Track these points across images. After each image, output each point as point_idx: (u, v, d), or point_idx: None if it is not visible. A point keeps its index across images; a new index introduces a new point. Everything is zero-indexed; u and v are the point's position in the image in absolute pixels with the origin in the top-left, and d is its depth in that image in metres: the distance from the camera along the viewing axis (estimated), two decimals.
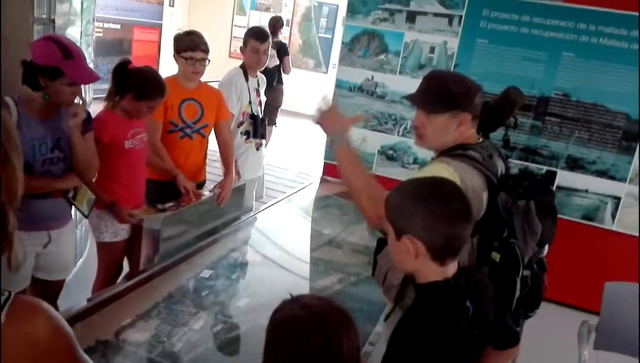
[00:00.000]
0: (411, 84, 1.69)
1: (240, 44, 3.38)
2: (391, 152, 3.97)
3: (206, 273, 2.32)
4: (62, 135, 1.98)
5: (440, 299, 1.16)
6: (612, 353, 2.28)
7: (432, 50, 3.74)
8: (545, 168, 3.55)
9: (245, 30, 3.50)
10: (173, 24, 9.13)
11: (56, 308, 1.21)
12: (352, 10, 3.93)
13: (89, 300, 1.92)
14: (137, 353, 1.74)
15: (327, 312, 1.05)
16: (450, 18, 3.65)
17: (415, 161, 3.88)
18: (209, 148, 2.93)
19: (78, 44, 2.36)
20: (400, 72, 3.84)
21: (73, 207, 2.12)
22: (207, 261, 2.44)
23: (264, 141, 3.45)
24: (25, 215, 1.65)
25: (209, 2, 10.02)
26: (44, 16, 2.52)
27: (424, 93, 1.64)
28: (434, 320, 1.13)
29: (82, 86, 2.04)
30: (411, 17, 3.76)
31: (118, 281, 2.34)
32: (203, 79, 2.80)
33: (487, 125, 1.71)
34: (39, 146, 1.92)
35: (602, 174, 3.45)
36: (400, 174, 3.84)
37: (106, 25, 7.89)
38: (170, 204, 2.53)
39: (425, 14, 3.72)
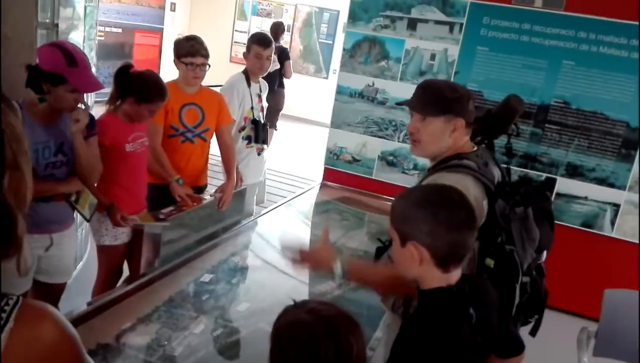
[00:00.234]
0: (412, 91, 1.70)
1: (242, 49, 3.39)
2: (391, 157, 3.98)
3: (207, 277, 2.32)
4: (65, 140, 1.99)
5: (443, 306, 1.16)
6: (612, 360, 2.28)
7: (432, 57, 3.76)
8: (545, 175, 3.56)
9: (248, 35, 3.52)
10: (174, 29, 9.17)
11: None
12: (353, 17, 3.95)
13: (89, 303, 1.93)
14: (138, 356, 1.75)
15: (336, 316, 1.06)
16: (451, 26, 3.67)
17: (415, 167, 3.89)
18: (210, 152, 2.93)
19: (81, 48, 2.37)
20: (401, 79, 3.86)
21: (75, 210, 2.12)
22: (207, 265, 2.45)
23: (265, 146, 3.45)
24: (27, 218, 1.66)
25: (210, 7, 10.05)
26: (47, 20, 2.54)
27: (418, 98, 1.66)
28: (437, 326, 1.13)
29: None
30: (412, 24, 3.78)
31: (118, 284, 2.34)
32: (204, 83, 2.80)
33: (489, 133, 1.72)
34: (42, 150, 1.93)
35: (601, 181, 3.46)
36: (400, 179, 3.86)
37: (108, 29, 7.94)
38: (171, 209, 2.53)
39: (426, 21, 3.74)
